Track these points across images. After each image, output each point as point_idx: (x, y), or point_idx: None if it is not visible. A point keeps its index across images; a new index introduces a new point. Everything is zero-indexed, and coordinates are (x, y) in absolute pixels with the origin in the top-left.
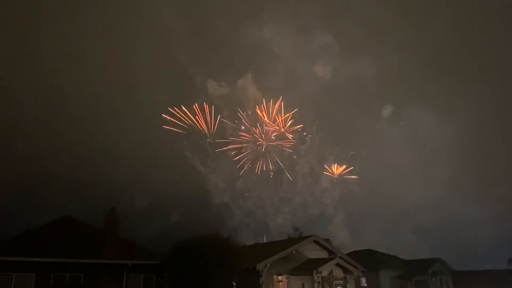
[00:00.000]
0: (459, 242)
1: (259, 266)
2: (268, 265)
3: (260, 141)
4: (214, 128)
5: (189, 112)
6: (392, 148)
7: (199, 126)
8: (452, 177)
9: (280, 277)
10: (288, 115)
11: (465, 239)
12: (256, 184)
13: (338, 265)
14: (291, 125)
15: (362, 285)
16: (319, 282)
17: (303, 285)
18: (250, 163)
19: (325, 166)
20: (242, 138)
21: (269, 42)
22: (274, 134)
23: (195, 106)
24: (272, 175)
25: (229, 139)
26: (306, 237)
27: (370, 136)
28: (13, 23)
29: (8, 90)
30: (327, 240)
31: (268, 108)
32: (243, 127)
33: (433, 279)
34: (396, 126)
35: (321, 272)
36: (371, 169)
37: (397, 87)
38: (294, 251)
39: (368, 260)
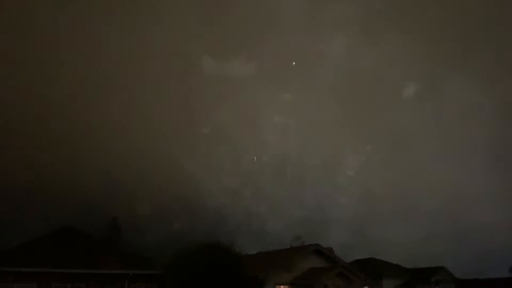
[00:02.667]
0: (464, 249)
1: (262, 276)
2: (270, 275)
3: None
4: None
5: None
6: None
7: None
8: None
9: (282, 287)
10: None
11: (471, 245)
12: (260, 184)
13: (340, 274)
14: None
15: None
16: None
17: None
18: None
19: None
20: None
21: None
22: None
23: None
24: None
25: None
26: (308, 246)
27: (395, 123)
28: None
29: (7, 95)
30: (329, 249)
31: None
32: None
33: (437, 287)
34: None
35: (323, 282)
36: (394, 163)
37: (424, 62)
38: (296, 260)
39: (371, 269)
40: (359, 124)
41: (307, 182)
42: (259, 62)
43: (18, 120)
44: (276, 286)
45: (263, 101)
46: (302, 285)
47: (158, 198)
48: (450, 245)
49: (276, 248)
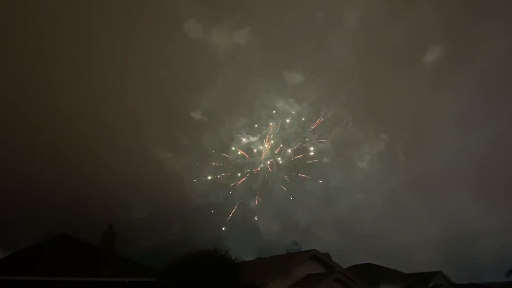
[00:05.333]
0: (460, 254)
1: (258, 282)
2: (267, 281)
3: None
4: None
5: None
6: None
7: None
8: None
9: None
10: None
11: (466, 250)
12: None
13: (337, 280)
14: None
15: None
16: None
17: None
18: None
19: None
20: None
21: None
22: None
23: None
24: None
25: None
26: (305, 251)
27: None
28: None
29: (7, 100)
30: (326, 255)
31: None
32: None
33: None
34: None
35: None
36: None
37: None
38: (293, 266)
39: (368, 274)
40: (375, 108)
41: (309, 178)
42: (257, 31)
43: (11, 127)
44: None
45: (262, 81)
46: None
47: (153, 204)
48: (447, 250)
49: (273, 254)
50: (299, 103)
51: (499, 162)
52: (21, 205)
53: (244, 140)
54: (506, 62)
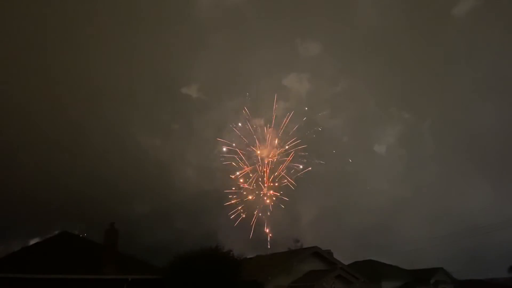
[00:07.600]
0: (462, 249)
1: (260, 279)
2: (269, 278)
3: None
4: None
5: None
6: None
7: None
8: None
9: None
10: None
11: (469, 246)
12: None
13: (339, 276)
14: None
15: None
16: None
17: None
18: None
19: None
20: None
21: None
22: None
23: None
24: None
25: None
26: (307, 248)
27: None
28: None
29: (7, 95)
30: (328, 251)
31: None
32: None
33: None
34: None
35: (322, 284)
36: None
37: None
38: (295, 263)
39: (370, 271)
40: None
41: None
42: None
43: (11, 124)
44: None
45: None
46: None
47: (154, 198)
48: (449, 246)
49: (273, 251)
50: (311, 80)
51: None
52: (21, 204)
53: (244, 123)
54: None
